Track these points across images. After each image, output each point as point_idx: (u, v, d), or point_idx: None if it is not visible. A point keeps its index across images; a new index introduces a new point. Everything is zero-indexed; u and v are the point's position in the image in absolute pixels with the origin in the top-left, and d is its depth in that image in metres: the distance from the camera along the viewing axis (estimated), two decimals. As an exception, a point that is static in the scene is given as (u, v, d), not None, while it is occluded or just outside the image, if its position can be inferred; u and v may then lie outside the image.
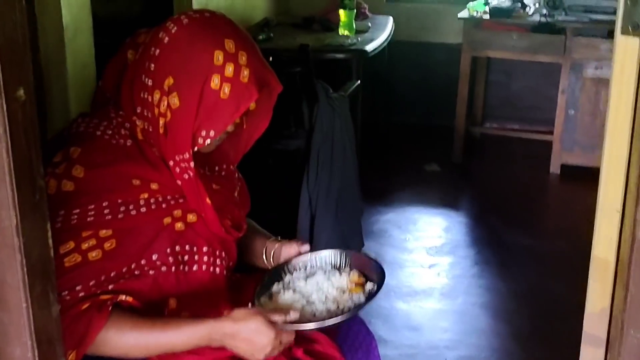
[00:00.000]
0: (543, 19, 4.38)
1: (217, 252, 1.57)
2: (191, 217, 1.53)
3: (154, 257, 1.46)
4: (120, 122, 1.51)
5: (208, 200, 1.49)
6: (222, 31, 1.44)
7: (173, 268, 1.48)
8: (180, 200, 1.51)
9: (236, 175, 1.73)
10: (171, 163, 1.47)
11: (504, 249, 3.62)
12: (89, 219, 1.40)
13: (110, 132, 1.48)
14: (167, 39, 1.44)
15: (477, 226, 3.96)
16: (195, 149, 1.45)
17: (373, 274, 1.59)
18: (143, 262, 1.45)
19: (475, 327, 2.98)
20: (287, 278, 1.60)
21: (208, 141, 1.45)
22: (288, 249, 1.68)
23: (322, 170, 3.21)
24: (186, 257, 1.51)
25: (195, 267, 1.52)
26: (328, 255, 1.65)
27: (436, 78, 5.19)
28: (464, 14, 4.54)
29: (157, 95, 1.44)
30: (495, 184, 4.48)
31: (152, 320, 1.41)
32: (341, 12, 4.23)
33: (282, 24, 4.67)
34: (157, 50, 1.44)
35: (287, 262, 1.64)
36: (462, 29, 4.56)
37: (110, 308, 1.37)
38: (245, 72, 1.42)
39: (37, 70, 2.73)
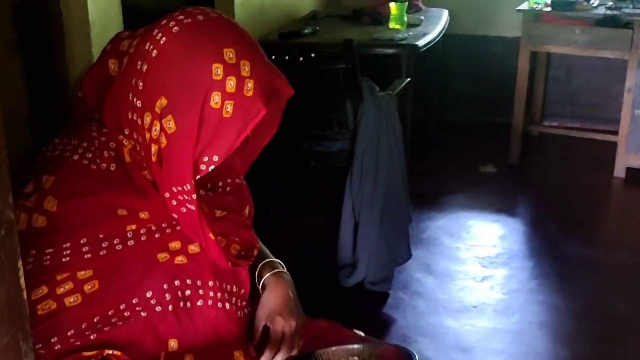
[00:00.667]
0: (608, 12, 4.08)
1: (226, 285, 1.36)
2: (193, 248, 1.33)
3: (148, 294, 1.27)
4: (104, 141, 1.31)
5: (211, 236, 1.28)
6: (219, 39, 1.23)
7: (170, 307, 1.28)
8: (178, 228, 1.32)
9: (245, 186, 1.52)
10: (167, 195, 1.27)
11: (563, 261, 3.34)
12: (64, 260, 1.22)
13: (90, 155, 1.28)
14: (155, 52, 1.23)
15: (535, 235, 3.68)
16: (197, 177, 1.25)
17: None
18: (135, 301, 1.26)
19: (531, 349, 2.72)
20: None
21: (212, 167, 1.24)
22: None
23: (367, 175, 3.00)
24: (188, 292, 1.31)
25: (200, 302, 1.32)
26: (356, 348, 1.42)
27: (492, 74, 4.95)
28: (523, 6, 4.28)
29: (147, 118, 1.24)
30: (555, 188, 4.18)
31: None
32: (392, 4, 4.00)
33: (330, 16, 4.47)
34: (145, 66, 1.24)
35: (310, 352, 1.42)
36: (521, 22, 4.28)
37: None
38: (250, 85, 1.21)
39: (62, 69, 2.58)
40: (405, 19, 4.03)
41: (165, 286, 1.27)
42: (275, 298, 1.42)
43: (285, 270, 1.52)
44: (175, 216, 1.28)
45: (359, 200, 3.03)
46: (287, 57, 3.04)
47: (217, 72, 1.20)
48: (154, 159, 1.24)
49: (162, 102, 1.21)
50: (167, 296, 1.27)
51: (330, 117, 3.08)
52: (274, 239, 3.49)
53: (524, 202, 4.11)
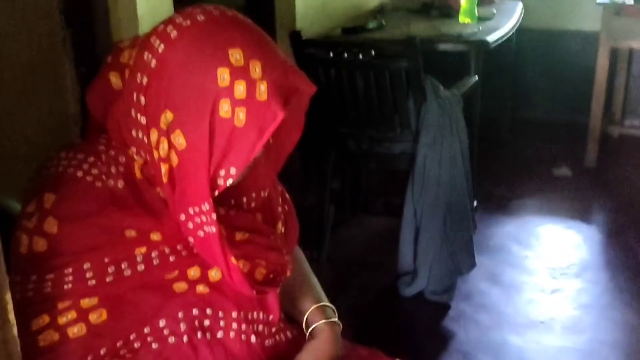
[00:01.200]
0: (698, 4, 3.80)
1: (251, 315, 1.23)
2: (213, 275, 1.20)
3: (161, 323, 1.15)
4: (113, 156, 1.19)
5: (233, 261, 1.15)
6: (223, 39, 1.09)
7: (185, 337, 1.16)
8: (195, 251, 1.19)
9: (277, 199, 1.38)
10: (182, 217, 1.14)
11: (641, 275, 3.10)
12: (65, 287, 1.11)
13: (95, 171, 1.16)
14: (154, 62, 1.10)
15: (612, 245, 3.42)
16: (216, 193, 1.12)
17: None
18: (146, 330, 1.14)
19: (603, 371, 2.52)
20: None
21: (230, 181, 1.12)
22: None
23: (429, 179, 2.85)
24: (207, 322, 1.18)
25: (220, 334, 1.19)
26: None
27: (569, 70, 4.69)
28: (603, -2, 4.02)
29: (154, 136, 1.12)
30: (635, 194, 3.90)
31: None
32: (462, -4, 3.81)
33: (398, 9, 4.29)
34: (145, 78, 1.11)
35: None
36: (601, 15, 4.02)
37: None
38: (262, 87, 1.07)
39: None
40: (476, 12, 3.83)
41: (180, 315, 1.16)
42: (324, 349, 1.30)
43: (337, 320, 1.38)
44: (191, 240, 1.16)
45: (421, 206, 2.87)
46: (346, 55, 2.90)
47: (224, 77, 1.06)
48: (165, 179, 1.12)
49: (168, 116, 1.09)
50: (182, 326, 1.16)
51: (392, 118, 2.93)
52: (333, 241, 3.40)
53: (600, 209, 3.85)
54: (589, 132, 4.17)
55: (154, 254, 1.15)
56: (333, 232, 3.26)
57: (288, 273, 1.31)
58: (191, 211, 1.12)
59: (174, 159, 1.10)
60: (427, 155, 2.83)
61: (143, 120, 1.12)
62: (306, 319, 1.35)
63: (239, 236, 1.22)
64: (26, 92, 2.22)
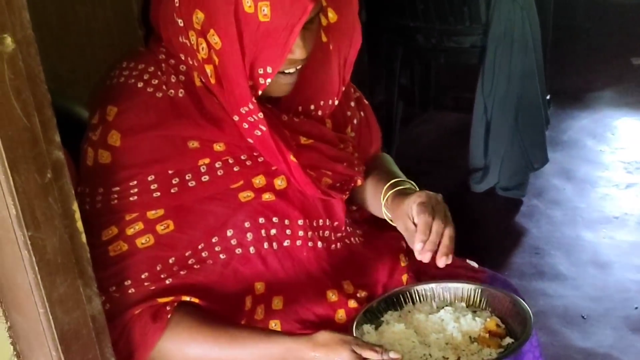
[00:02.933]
0: None
1: (317, 222, 1.23)
2: (279, 183, 1.19)
3: (229, 233, 1.15)
4: (173, 64, 1.17)
5: (292, 158, 1.14)
6: None
7: (252, 248, 1.17)
8: (260, 159, 1.18)
9: (349, 110, 1.34)
10: (236, 118, 1.13)
11: None
12: (131, 199, 1.11)
13: (156, 81, 1.14)
14: None
15: (691, 137, 3.30)
16: (260, 93, 1.11)
17: (517, 324, 1.15)
18: (214, 239, 1.15)
19: (679, 266, 2.48)
20: (407, 307, 1.23)
21: (269, 80, 1.09)
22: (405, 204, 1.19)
23: (499, 73, 2.77)
24: (273, 231, 1.18)
25: (287, 243, 1.20)
26: (465, 289, 1.25)
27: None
28: None
29: (193, 37, 1.10)
30: None
31: (217, 331, 1.10)
32: None
33: None
34: None
35: (406, 288, 1.26)
36: None
37: (168, 316, 1.08)
38: None
39: None
40: None
41: (247, 224, 1.16)
42: (428, 194, 1.18)
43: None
44: (251, 141, 1.16)
45: (491, 100, 2.80)
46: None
47: None
48: (212, 80, 1.11)
49: (199, 16, 1.07)
50: (249, 236, 1.16)
51: (462, 9, 2.82)
52: (403, 138, 3.37)
53: (681, 99, 3.70)
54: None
55: (217, 164, 1.15)
56: (403, 129, 3.23)
57: (359, 182, 1.29)
58: (242, 111, 1.11)
59: (215, 59, 1.09)
60: (497, 48, 2.74)
61: (181, 22, 1.10)
62: (385, 199, 1.26)
63: (303, 140, 1.21)
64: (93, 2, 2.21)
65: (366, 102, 1.43)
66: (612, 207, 2.78)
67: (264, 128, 1.11)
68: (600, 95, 3.67)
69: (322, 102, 1.26)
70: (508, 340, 1.12)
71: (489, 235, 2.72)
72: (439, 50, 3.02)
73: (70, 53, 2.13)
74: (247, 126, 1.13)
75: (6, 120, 0.81)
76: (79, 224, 0.93)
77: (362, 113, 1.40)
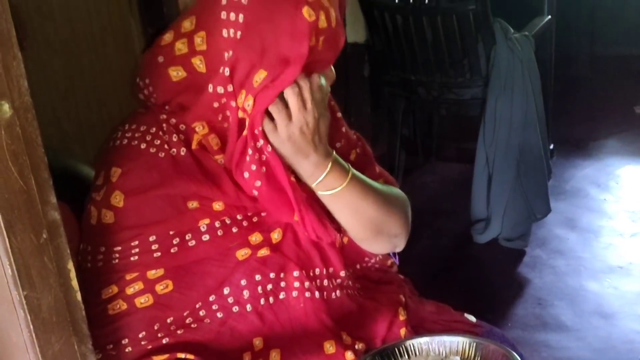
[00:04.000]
0: None
1: (313, 271, 1.25)
2: (276, 236, 1.22)
3: (226, 291, 1.18)
4: (174, 124, 1.21)
5: (294, 179, 1.18)
6: None
7: (249, 306, 1.18)
8: (255, 219, 1.21)
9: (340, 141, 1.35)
10: (246, 176, 1.17)
11: None
12: (132, 259, 1.14)
13: (158, 141, 1.19)
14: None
15: (696, 186, 3.31)
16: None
17: None
18: (212, 298, 1.17)
19: (684, 317, 2.46)
20: None
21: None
22: None
23: (500, 124, 2.80)
24: (270, 286, 1.20)
25: (282, 296, 1.21)
26: (460, 343, 1.26)
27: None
28: None
29: (241, 97, 1.15)
30: None
31: None
32: None
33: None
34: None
35: (402, 341, 1.27)
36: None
37: None
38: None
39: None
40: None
41: (243, 282, 1.18)
42: None
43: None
44: (256, 193, 1.18)
45: (493, 151, 2.83)
46: (412, 0, 2.84)
47: None
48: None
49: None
50: (246, 293, 1.18)
51: (462, 62, 2.87)
52: (405, 189, 3.34)
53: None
54: (674, 67, 4.00)
55: (217, 224, 1.18)
56: (405, 179, 3.25)
57: None
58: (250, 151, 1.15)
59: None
60: (498, 100, 2.78)
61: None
62: None
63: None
64: (98, 57, 2.27)
65: (364, 142, 1.44)
66: (616, 257, 2.78)
67: (267, 152, 1.14)
68: (603, 144, 3.69)
69: None
70: None
71: (492, 286, 2.72)
72: (440, 102, 3.06)
73: (77, 109, 2.18)
74: (247, 175, 1.15)
75: (3, 184, 0.83)
76: (74, 283, 0.95)
77: (358, 150, 1.40)
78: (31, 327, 0.89)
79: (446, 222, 3.10)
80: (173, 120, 1.21)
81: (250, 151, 1.15)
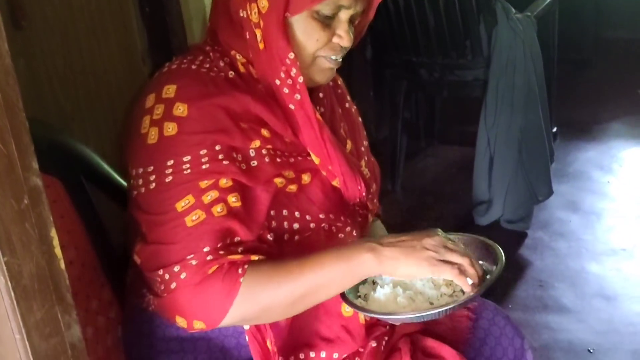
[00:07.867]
0: None
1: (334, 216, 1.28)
2: (305, 178, 1.24)
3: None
4: (218, 56, 1.23)
5: (319, 116, 1.22)
6: None
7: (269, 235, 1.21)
8: (291, 160, 1.23)
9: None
10: (277, 82, 1.18)
11: None
12: (203, 167, 1.13)
13: (207, 65, 1.20)
14: None
15: (699, 168, 3.28)
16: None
17: (491, 262, 1.24)
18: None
19: (686, 299, 2.44)
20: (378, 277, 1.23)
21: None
22: None
23: (502, 106, 2.77)
24: (296, 225, 1.23)
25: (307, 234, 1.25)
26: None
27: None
28: None
29: (247, 7, 1.17)
30: None
31: (288, 267, 1.14)
32: None
33: None
34: None
35: None
36: None
37: (244, 272, 1.11)
38: None
39: (176, 7, 2.51)
40: None
41: (272, 213, 1.21)
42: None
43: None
44: (292, 107, 1.20)
45: (494, 133, 2.81)
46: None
47: None
48: (261, 45, 1.17)
49: None
50: (287, 223, 1.23)
51: (463, 44, 2.84)
52: (408, 172, 3.37)
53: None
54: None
55: (264, 150, 1.19)
56: (407, 163, 3.23)
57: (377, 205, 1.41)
58: (282, 73, 1.17)
59: (261, 23, 1.15)
60: (499, 81, 2.75)
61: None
62: None
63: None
64: (97, 36, 2.25)
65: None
66: (619, 239, 2.76)
67: (300, 94, 1.19)
68: (606, 127, 3.66)
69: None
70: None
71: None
72: (441, 84, 3.03)
73: (75, 88, 2.17)
74: (287, 91, 1.18)
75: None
76: (57, 250, 0.93)
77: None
78: (12, 293, 0.87)
79: (448, 205, 3.08)
80: (217, 54, 1.23)
81: (282, 75, 1.18)
